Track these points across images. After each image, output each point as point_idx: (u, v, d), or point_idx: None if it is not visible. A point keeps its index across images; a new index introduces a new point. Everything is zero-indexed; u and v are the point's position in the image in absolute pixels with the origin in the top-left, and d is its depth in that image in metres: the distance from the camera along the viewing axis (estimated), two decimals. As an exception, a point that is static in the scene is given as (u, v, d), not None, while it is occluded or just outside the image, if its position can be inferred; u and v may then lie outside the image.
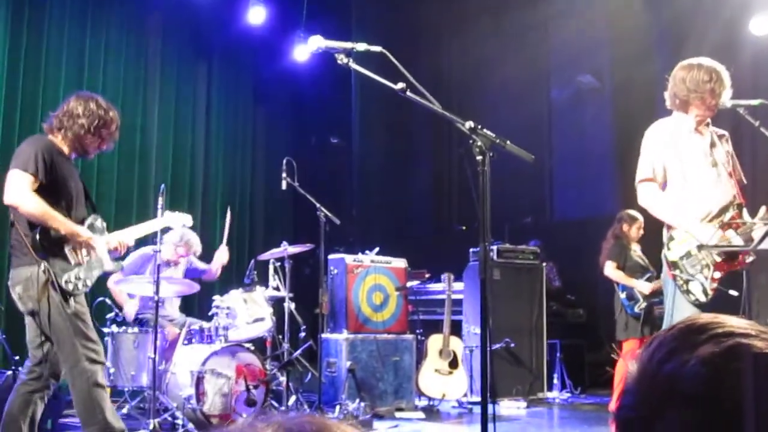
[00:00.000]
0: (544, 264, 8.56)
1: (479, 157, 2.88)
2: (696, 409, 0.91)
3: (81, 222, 4.07)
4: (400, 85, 3.03)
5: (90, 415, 3.84)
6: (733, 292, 3.84)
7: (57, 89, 8.64)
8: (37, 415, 4.04)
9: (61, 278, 3.85)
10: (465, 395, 7.39)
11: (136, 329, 6.12)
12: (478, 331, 7.73)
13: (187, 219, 5.10)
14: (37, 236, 3.82)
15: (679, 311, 3.90)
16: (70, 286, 3.88)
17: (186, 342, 6.22)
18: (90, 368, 3.84)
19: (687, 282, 3.89)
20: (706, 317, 1.01)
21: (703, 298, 3.83)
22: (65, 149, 4.13)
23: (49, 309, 3.81)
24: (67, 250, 3.92)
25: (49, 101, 8.54)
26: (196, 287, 6.44)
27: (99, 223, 4.20)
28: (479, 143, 2.88)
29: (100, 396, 3.87)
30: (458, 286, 7.96)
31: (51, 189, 3.93)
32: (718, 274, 3.82)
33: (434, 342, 7.32)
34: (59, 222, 3.86)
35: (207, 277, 6.94)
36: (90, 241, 3.99)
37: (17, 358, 5.39)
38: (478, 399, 7.35)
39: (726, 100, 4.03)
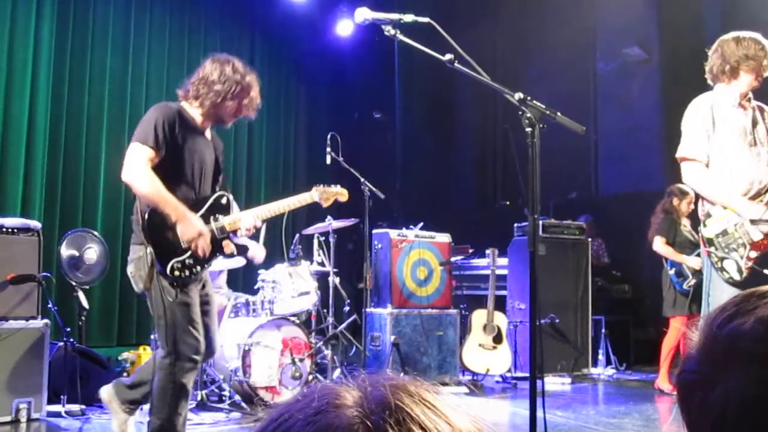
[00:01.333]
0: (589, 240, 8.47)
1: (528, 129, 2.84)
2: (755, 367, 0.92)
3: (204, 201, 3.82)
4: (448, 57, 2.99)
5: (159, 407, 3.69)
6: None
7: (103, 67, 8.78)
8: (189, 387, 3.83)
9: (167, 264, 3.62)
10: (509, 370, 7.38)
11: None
12: (522, 306, 7.70)
13: (341, 194, 4.57)
14: (147, 216, 3.59)
15: (715, 289, 3.88)
16: (177, 273, 3.63)
17: (232, 315, 6.29)
18: (180, 365, 3.64)
19: (722, 260, 3.85)
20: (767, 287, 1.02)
21: (737, 277, 3.79)
22: (199, 118, 3.86)
23: (153, 294, 3.64)
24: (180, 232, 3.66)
25: (96, 79, 8.69)
26: (241, 261, 6.49)
27: (224, 201, 3.90)
28: (529, 115, 2.84)
29: (176, 397, 3.67)
30: (502, 261, 7.92)
31: (171, 163, 3.68)
32: (754, 253, 3.77)
33: (478, 317, 7.30)
34: (171, 207, 3.60)
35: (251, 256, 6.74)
36: (200, 233, 3.68)
37: (68, 329, 5.50)
38: (521, 374, 7.35)
39: None
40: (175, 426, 3.71)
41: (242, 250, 4.11)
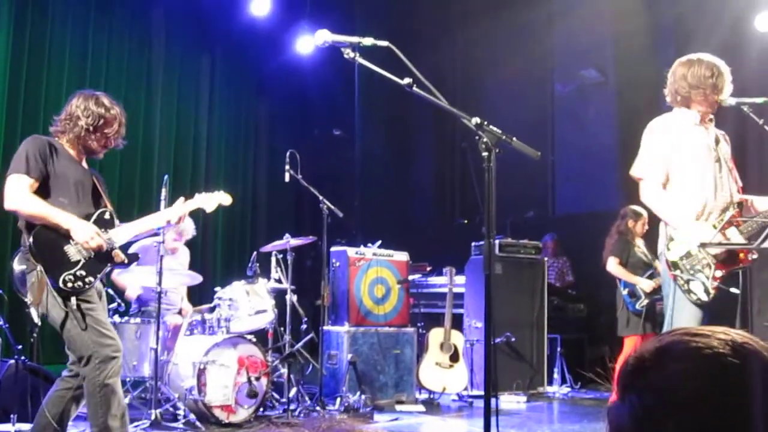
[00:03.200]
0: (545, 258, 8.56)
1: (485, 154, 2.86)
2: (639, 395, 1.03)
3: (87, 218, 3.91)
4: (407, 80, 3.01)
5: (93, 414, 3.75)
6: (735, 290, 3.84)
7: (60, 80, 8.67)
8: (71, 412, 3.93)
9: (58, 278, 3.72)
10: (465, 389, 7.41)
11: (138, 320, 6.12)
12: (479, 324, 7.74)
13: (224, 198, 4.63)
14: (31, 239, 3.71)
15: (680, 311, 3.91)
16: (69, 285, 3.73)
17: (188, 333, 6.23)
18: (100, 367, 3.72)
19: (688, 282, 3.89)
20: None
21: (705, 297, 3.84)
22: (71, 151, 4.01)
23: (51, 310, 3.73)
24: (66, 247, 3.78)
25: (53, 91, 8.58)
26: (198, 278, 6.44)
27: (107, 215, 4.01)
28: (485, 140, 2.86)
29: (106, 398, 3.74)
30: (460, 279, 7.97)
31: (48, 186, 3.83)
32: (719, 273, 3.82)
33: (435, 335, 7.33)
34: (59, 218, 3.75)
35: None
36: (93, 236, 3.80)
37: (20, 347, 5.40)
38: (477, 393, 7.38)
39: (728, 96, 4.01)
40: (112, 428, 3.75)
41: (133, 258, 4.26)
